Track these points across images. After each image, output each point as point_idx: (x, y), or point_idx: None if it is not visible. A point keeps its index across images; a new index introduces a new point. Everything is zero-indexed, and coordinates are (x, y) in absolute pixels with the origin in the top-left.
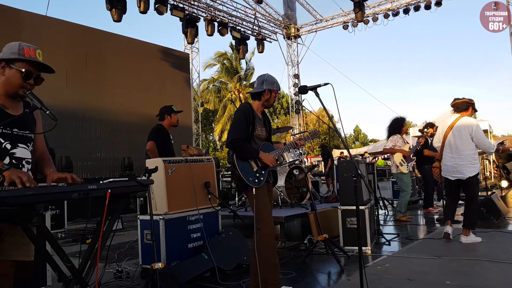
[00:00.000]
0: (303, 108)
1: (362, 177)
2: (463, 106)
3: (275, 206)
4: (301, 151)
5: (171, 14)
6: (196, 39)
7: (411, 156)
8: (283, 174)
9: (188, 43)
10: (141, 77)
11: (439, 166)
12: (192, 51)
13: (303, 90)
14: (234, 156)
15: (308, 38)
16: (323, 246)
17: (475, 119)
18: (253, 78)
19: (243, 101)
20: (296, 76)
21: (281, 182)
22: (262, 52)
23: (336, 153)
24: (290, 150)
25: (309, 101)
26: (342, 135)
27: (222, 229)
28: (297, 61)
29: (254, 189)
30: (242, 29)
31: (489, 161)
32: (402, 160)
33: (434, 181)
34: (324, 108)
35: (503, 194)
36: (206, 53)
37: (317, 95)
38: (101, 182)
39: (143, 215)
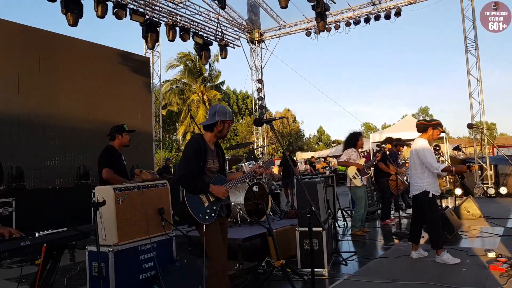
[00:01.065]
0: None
1: (316, 214)
2: (421, 128)
3: (235, 224)
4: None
5: (131, 19)
6: (157, 43)
7: (366, 170)
8: (242, 191)
9: (149, 48)
10: (99, 82)
11: (395, 179)
12: (153, 55)
13: (258, 123)
14: (184, 192)
15: (272, 43)
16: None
17: (425, 141)
18: (220, 80)
19: (206, 103)
20: (260, 81)
21: (240, 199)
22: (225, 58)
23: (300, 156)
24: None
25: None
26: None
27: (176, 256)
28: (261, 66)
29: (204, 225)
30: (204, 34)
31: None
32: (355, 173)
33: (391, 194)
34: (279, 140)
35: (457, 202)
36: (169, 53)
37: (272, 128)
38: (37, 234)
39: (92, 245)
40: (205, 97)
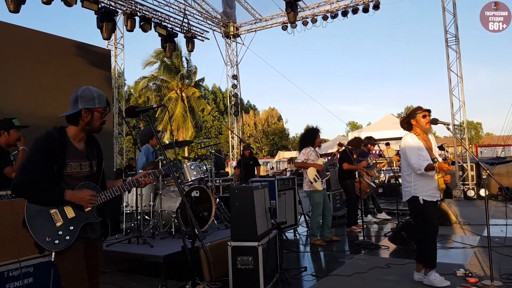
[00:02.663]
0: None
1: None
2: (404, 124)
3: (169, 235)
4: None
5: (82, 6)
6: (121, 35)
7: (325, 172)
8: (178, 196)
9: (104, 38)
10: (51, 75)
11: (359, 181)
12: (116, 48)
13: (131, 113)
14: (26, 206)
15: (248, 38)
16: None
17: (409, 137)
18: (199, 77)
19: (185, 101)
20: (235, 77)
21: (174, 205)
22: (192, 50)
23: (282, 155)
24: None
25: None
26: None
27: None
28: (236, 61)
29: (53, 252)
30: (169, 26)
31: None
32: (316, 175)
33: (357, 197)
34: (156, 136)
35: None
36: (148, 50)
37: (149, 118)
38: None
39: None
40: (183, 94)
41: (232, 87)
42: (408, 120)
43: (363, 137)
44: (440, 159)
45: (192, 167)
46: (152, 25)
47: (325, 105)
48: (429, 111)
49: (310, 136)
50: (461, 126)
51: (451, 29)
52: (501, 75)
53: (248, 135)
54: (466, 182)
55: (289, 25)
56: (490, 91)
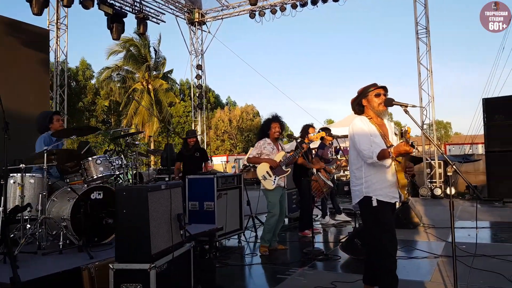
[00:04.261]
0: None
1: None
2: (355, 106)
3: (54, 251)
4: None
5: None
6: (65, 14)
7: (284, 168)
8: (72, 199)
9: (34, 14)
10: None
11: (317, 179)
12: (59, 28)
13: None
14: None
15: (214, 26)
16: None
17: (358, 120)
18: (167, 68)
19: (152, 94)
20: (199, 67)
21: (65, 212)
22: (143, 33)
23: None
24: None
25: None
26: None
27: None
28: (202, 50)
29: None
30: (117, 3)
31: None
32: (268, 172)
33: (312, 197)
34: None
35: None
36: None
37: None
38: None
39: None
40: (150, 86)
41: (196, 77)
42: (359, 101)
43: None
44: None
45: (99, 162)
46: (95, 2)
47: (301, 102)
48: (384, 88)
49: (264, 127)
50: (430, 126)
51: (422, 20)
52: (469, 76)
53: (223, 131)
54: (433, 180)
55: (257, 13)
56: (459, 91)
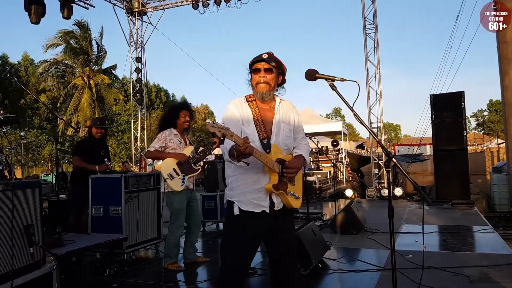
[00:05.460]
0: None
1: None
2: None
3: None
4: None
5: None
6: None
7: (194, 166)
8: None
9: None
10: None
11: None
12: None
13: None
14: None
15: (155, 16)
16: None
17: (233, 102)
18: (107, 63)
19: (93, 89)
20: (139, 59)
21: None
22: (68, 18)
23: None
24: None
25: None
26: None
27: None
28: (142, 42)
29: None
30: None
31: (343, 164)
32: (174, 170)
33: None
34: None
35: (344, 204)
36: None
37: None
38: None
39: None
40: (91, 81)
41: (135, 71)
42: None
43: None
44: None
45: None
46: None
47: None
48: (267, 61)
49: (170, 115)
50: (378, 128)
51: (369, 15)
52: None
53: None
54: (381, 181)
55: (200, 3)
56: (408, 96)
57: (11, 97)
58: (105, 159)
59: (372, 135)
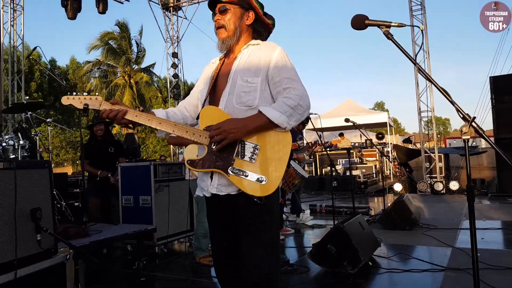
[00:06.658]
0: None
1: None
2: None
3: None
4: None
5: None
6: None
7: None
8: None
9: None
10: None
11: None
12: (15, 10)
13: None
14: None
15: (190, 11)
16: None
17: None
18: (146, 62)
19: (134, 88)
20: (175, 55)
21: None
22: (103, 12)
23: None
24: None
25: None
26: None
27: None
28: (177, 37)
29: None
30: None
31: (389, 159)
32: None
33: (282, 191)
34: None
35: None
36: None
37: None
38: None
39: None
40: (132, 80)
41: (172, 66)
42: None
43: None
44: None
45: None
46: None
47: None
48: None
49: None
50: (428, 121)
51: None
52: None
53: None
54: (433, 175)
55: None
56: (457, 88)
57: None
58: (109, 174)
59: (443, 93)
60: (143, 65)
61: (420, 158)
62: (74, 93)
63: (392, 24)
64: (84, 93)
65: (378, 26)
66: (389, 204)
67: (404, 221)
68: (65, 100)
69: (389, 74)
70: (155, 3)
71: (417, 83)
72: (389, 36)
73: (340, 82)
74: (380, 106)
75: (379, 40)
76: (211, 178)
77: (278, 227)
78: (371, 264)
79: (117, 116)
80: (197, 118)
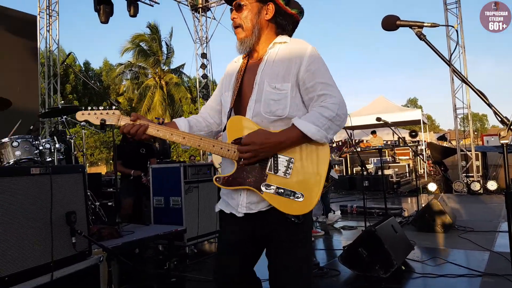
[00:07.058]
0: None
1: None
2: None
3: None
4: None
5: None
6: (54, 2)
7: None
8: None
9: None
10: None
11: None
12: (50, 16)
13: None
14: None
15: (218, 11)
16: None
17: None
18: (176, 63)
19: (164, 88)
20: (204, 55)
21: None
22: (134, 16)
23: None
24: None
25: None
26: None
27: None
28: (206, 38)
29: None
30: None
31: (423, 157)
32: None
33: None
34: None
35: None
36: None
37: None
38: None
39: None
40: (162, 82)
41: (201, 67)
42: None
43: (347, 124)
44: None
45: (15, 144)
46: None
47: None
48: None
49: None
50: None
51: None
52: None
53: None
54: (470, 174)
55: None
56: (494, 83)
57: (95, 101)
58: (142, 174)
59: (480, 95)
60: (172, 66)
61: (455, 156)
62: (90, 108)
63: (424, 24)
64: (101, 107)
65: (410, 26)
66: (423, 205)
67: (439, 223)
68: (80, 116)
69: (422, 68)
70: (184, 4)
71: (452, 80)
72: (421, 37)
73: (373, 78)
74: (413, 103)
75: (413, 34)
76: (243, 195)
77: (311, 240)
78: (404, 268)
79: (138, 132)
80: (224, 129)
